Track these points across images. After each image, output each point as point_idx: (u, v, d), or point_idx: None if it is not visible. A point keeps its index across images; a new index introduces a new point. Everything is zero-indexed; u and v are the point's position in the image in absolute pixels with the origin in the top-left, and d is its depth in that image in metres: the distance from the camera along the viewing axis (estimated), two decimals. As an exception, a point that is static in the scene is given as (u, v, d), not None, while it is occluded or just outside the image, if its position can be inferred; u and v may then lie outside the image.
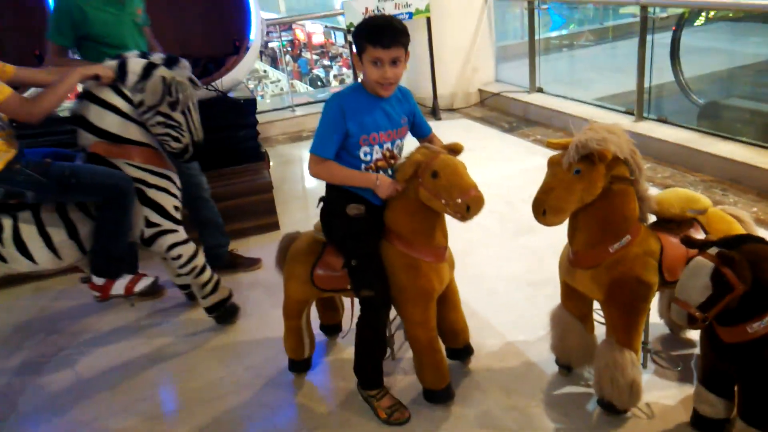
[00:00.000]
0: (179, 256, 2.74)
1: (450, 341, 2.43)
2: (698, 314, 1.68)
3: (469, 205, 1.94)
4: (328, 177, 2.20)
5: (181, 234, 2.76)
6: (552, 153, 1.99)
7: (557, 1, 7.77)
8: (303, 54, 20.93)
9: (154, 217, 2.65)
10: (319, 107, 3.28)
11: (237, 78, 4.18)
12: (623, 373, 2.03)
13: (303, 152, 5.39)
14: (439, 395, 2.28)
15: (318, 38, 21.07)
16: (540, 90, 5.81)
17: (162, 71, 2.51)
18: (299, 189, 4.79)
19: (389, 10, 5.67)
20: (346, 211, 2.14)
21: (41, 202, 2.43)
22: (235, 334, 2.91)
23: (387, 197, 2.12)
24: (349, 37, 5.53)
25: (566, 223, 2.02)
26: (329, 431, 2.25)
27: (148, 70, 2.51)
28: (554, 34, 8.08)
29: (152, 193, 2.63)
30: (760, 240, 1.77)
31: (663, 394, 2.23)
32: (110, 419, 2.43)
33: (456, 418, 2.23)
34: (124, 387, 2.61)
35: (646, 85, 4.77)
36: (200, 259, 2.82)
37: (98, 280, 2.58)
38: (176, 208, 2.74)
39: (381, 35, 2.02)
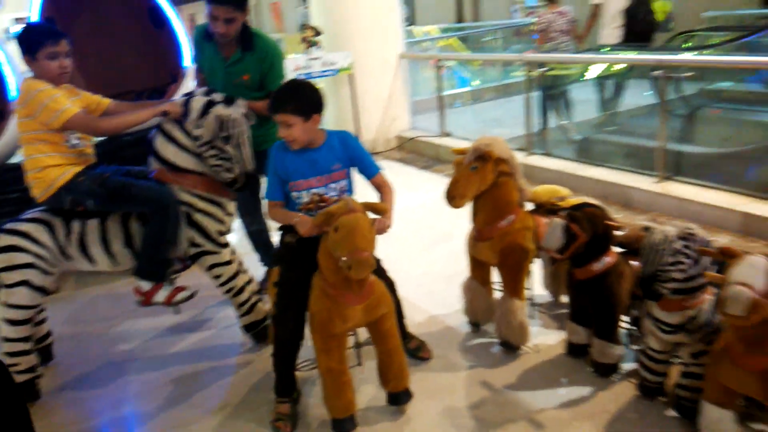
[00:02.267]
0: (219, 276, 2.96)
1: (383, 383, 2.52)
2: (558, 256, 2.46)
3: (351, 265, 2.07)
4: (270, 216, 2.56)
5: (223, 256, 2.95)
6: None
7: (454, 60, 8.96)
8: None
9: (198, 239, 2.87)
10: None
11: None
12: (515, 316, 2.78)
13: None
14: (338, 424, 2.41)
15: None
16: (448, 134, 6.76)
17: (219, 109, 2.70)
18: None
19: (316, 68, 6.50)
20: (284, 239, 2.53)
21: (100, 210, 2.75)
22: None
23: (306, 235, 2.30)
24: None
25: (470, 221, 2.79)
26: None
27: (207, 107, 2.71)
28: (460, 90, 9.22)
29: (198, 217, 2.85)
30: (596, 206, 2.59)
31: (546, 338, 2.99)
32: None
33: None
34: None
35: (534, 129, 5.82)
36: (239, 281, 3.00)
37: (143, 286, 2.83)
38: (220, 232, 2.94)
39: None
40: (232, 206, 3.02)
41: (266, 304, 3.12)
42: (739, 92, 6.83)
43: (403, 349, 2.52)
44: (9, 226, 2.73)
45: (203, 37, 3.22)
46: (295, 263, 2.45)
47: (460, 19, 17.00)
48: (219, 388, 2.89)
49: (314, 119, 2.42)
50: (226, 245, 2.99)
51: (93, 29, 4.58)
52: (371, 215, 2.27)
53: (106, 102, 2.92)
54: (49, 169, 2.69)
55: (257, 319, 3.10)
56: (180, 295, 2.90)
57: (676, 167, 4.75)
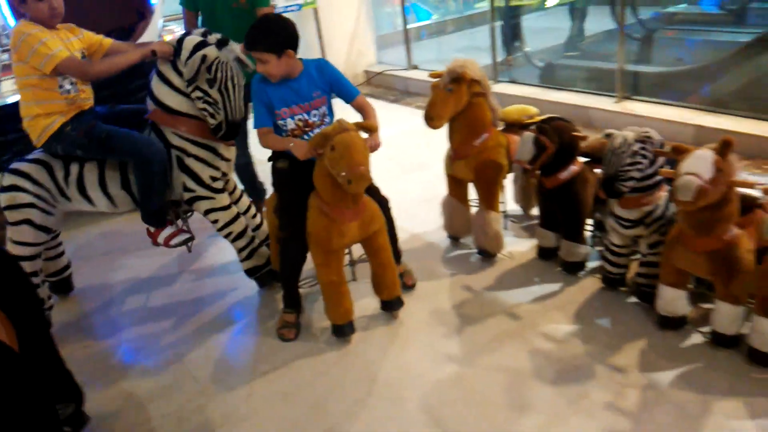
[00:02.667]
0: (216, 221, 2.96)
1: (377, 293, 2.76)
2: (528, 166, 2.70)
3: (350, 179, 2.24)
4: (263, 143, 2.62)
5: (219, 201, 2.93)
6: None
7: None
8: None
9: (190, 183, 2.87)
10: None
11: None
12: (490, 226, 3.04)
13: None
14: (339, 329, 2.66)
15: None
16: (416, 67, 6.87)
17: (207, 50, 2.66)
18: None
19: (280, 2, 6.46)
20: (276, 165, 2.66)
21: (88, 159, 2.80)
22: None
23: (303, 158, 2.45)
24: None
25: (446, 143, 2.98)
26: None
27: (198, 47, 2.67)
28: (424, 23, 9.24)
29: (190, 162, 2.84)
30: (563, 120, 2.82)
31: (519, 246, 3.27)
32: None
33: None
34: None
35: (499, 58, 5.98)
36: (237, 226, 2.99)
37: (150, 228, 2.97)
38: (213, 178, 2.91)
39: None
40: (229, 151, 2.99)
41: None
42: (692, 14, 7.07)
43: (394, 262, 2.73)
44: (13, 165, 2.84)
45: None
46: (291, 187, 2.61)
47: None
48: (226, 309, 3.11)
49: (288, 54, 2.51)
50: (221, 190, 2.97)
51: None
52: (362, 134, 2.42)
53: (108, 41, 2.93)
54: (38, 118, 2.73)
55: (258, 264, 3.09)
56: (175, 239, 3.00)
57: (634, 87, 5.01)
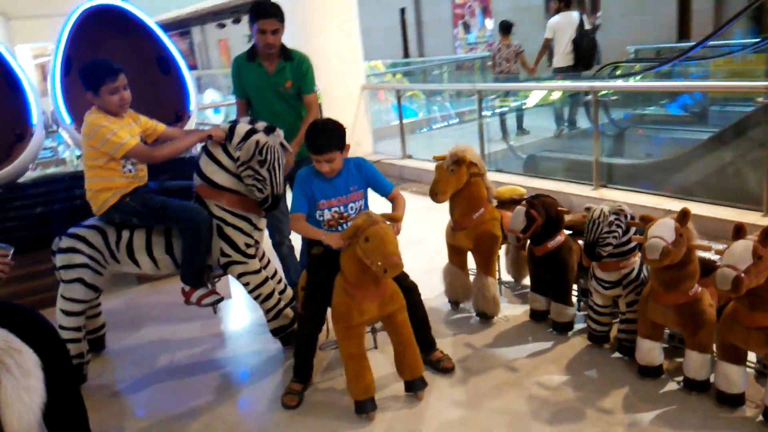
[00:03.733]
0: (247, 284, 3.27)
1: (400, 373, 2.88)
2: (521, 235, 3.13)
3: (386, 268, 2.45)
4: (299, 230, 2.89)
5: (252, 266, 3.24)
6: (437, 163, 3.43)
7: (413, 89, 9.78)
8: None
9: (227, 249, 3.19)
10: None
11: None
12: (489, 290, 3.43)
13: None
14: (360, 405, 2.76)
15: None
16: (410, 157, 7.47)
17: (258, 136, 3.02)
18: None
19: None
20: (311, 251, 2.96)
21: (144, 226, 3.17)
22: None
23: (336, 248, 2.70)
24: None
25: (447, 227, 3.43)
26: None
27: (249, 134, 3.03)
28: (412, 119, 10.03)
29: (228, 230, 3.17)
30: (550, 196, 3.29)
31: (513, 310, 3.65)
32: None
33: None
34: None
35: (487, 151, 6.60)
36: (266, 289, 3.29)
37: (185, 288, 3.23)
38: (247, 245, 3.23)
39: (314, 145, 2.80)
40: (262, 222, 3.33)
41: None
42: (660, 115, 7.85)
43: (417, 346, 2.87)
44: (71, 230, 3.20)
45: (245, 61, 3.74)
46: (320, 269, 2.89)
47: (406, 55, 18.03)
48: (237, 371, 3.41)
49: (346, 148, 2.90)
50: (253, 256, 3.27)
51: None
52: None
53: (162, 127, 3.34)
54: (102, 192, 3.13)
55: (283, 324, 3.35)
56: (207, 299, 3.26)
57: (609, 177, 5.59)
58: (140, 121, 3.27)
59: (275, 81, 3.69)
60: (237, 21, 24.37)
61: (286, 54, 3.72)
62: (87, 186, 3.18)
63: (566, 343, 3.25)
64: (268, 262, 3.58)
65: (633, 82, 6.85)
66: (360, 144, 7.79)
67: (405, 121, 7.96)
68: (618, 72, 8.25)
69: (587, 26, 7.94)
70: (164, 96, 5.18)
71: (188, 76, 5.08)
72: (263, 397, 3.08)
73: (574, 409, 2.72)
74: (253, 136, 3.02)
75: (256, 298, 3.32)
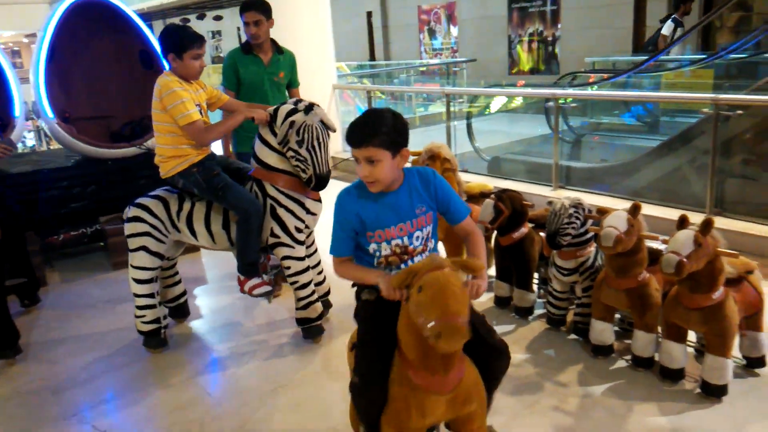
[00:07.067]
0: (288, 267, 3.32)
1: None
2: (489, 226, 3.41)
3: (441, 331, 1.64)
4: (344, 275, 2.14)
5: (297, 252, 3.28)
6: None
7: (383, 91, 10.03)
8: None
9: (277, 230, 3.24)
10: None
11: None
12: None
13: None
14: None
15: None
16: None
17: (295, 116, 3.03)
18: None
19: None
20: (361, 295, 2.18)
21: (202, 198, 3.24)
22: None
23: (387, 298, 1.89)
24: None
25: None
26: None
27: (289, 114, 3.06)
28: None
29: (280, 212, 3.22)
30: (515, 191, 3.57)
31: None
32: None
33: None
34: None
35: (453, 152, 6.89)
36: (305, 278, 3.33)
37: (240, 276, 3.34)
38: (297, 229, 3.26)
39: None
40: (316, 206, 3.34)
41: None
42: (614, 123, 8.31)
43: None
44: (138, 200, 3.31)
45: (241, 54, 4.05)
46: (376, 323, 2.04)
47: (372, 58, 18.29)
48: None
49: (403, 154, 2.04)
50: (301, 242, 3.31)
51: (91, 62, 5.22)
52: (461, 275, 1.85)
53: (226, 97, 3.45)
54: (172, 159, 3.21)
55: (310, 316, 3.40)
56: (258, 289, 3.35)
57: (567, 179, 5.95)
58: (206, 89, 3.35)
59: (271, 71, 4.09)
60: (201, 17, 24.29)
61: (279, 48, 4.14)
62: (158, 151, 3.28)
63: (527, 326, 3.54)
64: (315, 250, 3.63)
65: (591, 91, 7.27)
66: (330, 141, 8.00)
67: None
68: (576, 81, 8.71)
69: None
70: (144, 91, 5.29)
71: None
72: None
73: (534, 383, 2.99)
74: (290, 117, 3.03)
75: (292, 284, 3.37)
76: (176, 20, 26.23)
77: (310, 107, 3.09)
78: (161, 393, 3.13)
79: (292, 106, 3.10)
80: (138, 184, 4.87)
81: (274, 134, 3.14)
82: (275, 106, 3.18)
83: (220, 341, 3.62)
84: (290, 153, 3.12)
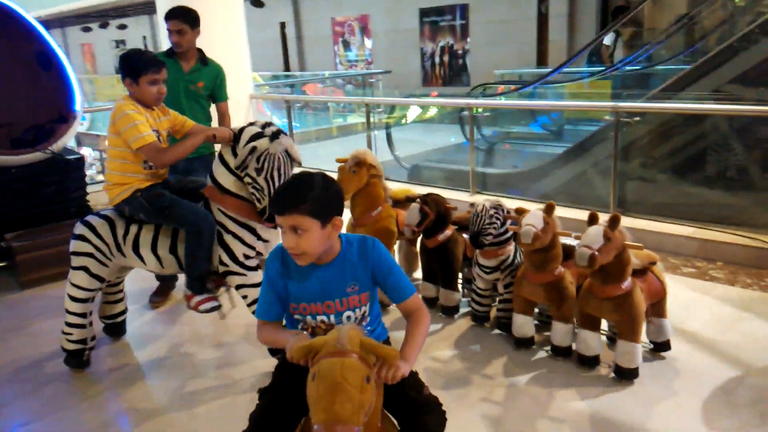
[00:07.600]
0: (245, 297, 3.13)
1: None
2: (415, 229, 3.53)
3: None
4: (262, 339, 1.96)
5: (251, 278, 3.07)
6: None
7: (301, 101, 10.06)
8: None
9: (224, 258, 3.05)
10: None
11: (65, 142, 5.00)
12: (385, 280, 3.78)
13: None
14: None
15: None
16: (299, 165, 7.71)
17: (258, 142, 2.83)
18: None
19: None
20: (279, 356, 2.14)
21: (150, 222, 3.08)
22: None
23: (290, 361, 1.66)
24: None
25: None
26: None
27: (253, 138, 2.86)
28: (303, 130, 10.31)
29: (227, 238, 3.03)
30: (439, 195, 3.72)
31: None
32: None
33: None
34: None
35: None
36: None
37: (187, 291, 3.17)
38: (246, 256, 3.06)
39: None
40: (268, 233, 3.13)
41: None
42: (523, 132, 8.76)
43: None
44: (86, 218, 3.18)
45: (164, 57, 3.89)
46: (284, 387, 1.87)
47: (287, 69, 18.24)
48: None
49: (335, 224, 1.85)
50: (254, 268, 3.10)
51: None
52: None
53: (190, 123, 3.29)
54: (115, 187, 3.09)
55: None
56: (204, 305, 3.16)
57: (483, 184, 6.22)
58: (170, 116, 3.23)
59: (188, 79, 4.00)
60: (104, 26, 23.31)
61: (204, 59, 4.08)
62: (106, 177, 3.16)
63: (454, 324, 3.68)
64: None
65: (505, 101, 7.64)
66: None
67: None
68: (486, 91, 9.12)
69: None
70: (46, 94, 5.09)
71: (72, 74, 5.00)
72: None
73: (462, 377, 3.12)
74: (253, 141, 2.86)
75: (254, 313, 3.12)
76: (76, 28, 25.11)
77: (276, 134, 2.91)
78: (82, 412, 3.01)
79: (259, 130, 2.93)
80: (47, 191, 4.65)
81: (235, 155, 2.95)
82: (241, 126, 3.00)
83: (147, 356, 3.52)
84: (247, 179, 2.94)
